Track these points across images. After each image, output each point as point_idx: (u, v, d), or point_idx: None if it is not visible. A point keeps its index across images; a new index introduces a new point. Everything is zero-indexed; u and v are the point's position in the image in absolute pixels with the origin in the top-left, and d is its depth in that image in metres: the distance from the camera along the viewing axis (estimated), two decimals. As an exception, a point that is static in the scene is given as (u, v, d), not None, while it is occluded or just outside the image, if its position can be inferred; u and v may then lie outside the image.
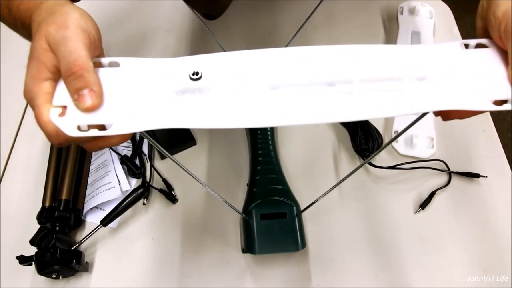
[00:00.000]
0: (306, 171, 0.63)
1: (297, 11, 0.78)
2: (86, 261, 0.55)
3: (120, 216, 0.57)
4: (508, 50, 0.30)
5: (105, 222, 0.55)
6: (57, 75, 0.31)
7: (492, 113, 0.66)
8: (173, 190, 0.61)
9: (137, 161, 0.63)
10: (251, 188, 0.57)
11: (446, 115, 0.32)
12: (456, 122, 0.66)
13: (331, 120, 0.30)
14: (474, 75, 0.31)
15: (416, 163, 0.61)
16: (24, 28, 0.37)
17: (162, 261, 0.56)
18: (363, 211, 0.59)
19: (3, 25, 0.42)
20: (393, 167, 0.61)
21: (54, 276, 0.51)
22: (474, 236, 0.57)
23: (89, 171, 0.62)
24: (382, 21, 0.77)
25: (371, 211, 0.59)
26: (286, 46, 0.59)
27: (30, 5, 0.35)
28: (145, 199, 0.60)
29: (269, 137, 0.62)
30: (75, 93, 0.29)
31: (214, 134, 0.66)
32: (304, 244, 0.50)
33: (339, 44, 0.32)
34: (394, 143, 0.63)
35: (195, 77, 0.31)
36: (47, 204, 0.57)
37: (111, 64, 0.32)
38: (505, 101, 0.30)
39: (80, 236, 0.58)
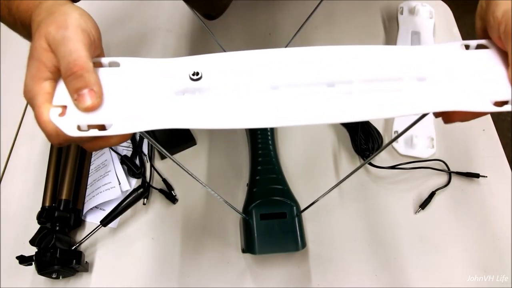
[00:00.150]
0: (306, 171, 0.63)
1: (297, 11, 0.78)
2: (86, 261, 0.55)
3: (120, 216, 0.57)
4: (508, 51, 0.30)
5: (105, 222, 0.55)
6: (57, 75, 0.31)
7: (492, 113, 0.66)
8: (173, 190, 0.61)
9: (137, 161, 0.63)
10: (251, 188, 0.57)
11: (447, 117, 0.32)
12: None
13: (331, 120, 0.30)
14: (475, 76, 0.31)
15: (416, 163, 0.61)
16: (24, 28, 0.37)
17: (162, 261, 0.56)
18: (363, 211, 0.59)
19: (3, 25, 0.42)
20: (393, 167, 0.61)
21: (54, 276, 0.51)
22: (474, 236, 0.57)
23: (89, 171, 0.62)
24: (382, 21, 0.77)
25: (371, 211, 0.59)
26: (286, 46, 0.59)
27: (29, 5, 0.35)
28: (145, 199, 0.60)
29: (269, 137, 0.62)
30: (75, 93, 0.29)
31: (214, 134, 0.66)
32: (304, 244, 0.50)
33: (339, 44, 0.32)
34: (394, 143, 0.63)
35: (195, 77, 0.31)
36: (47, 204, 0.57)
37: (111, 64, 0.32)
38: (505, 102, 0.30)
39: (80, 236, 0.58)
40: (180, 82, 0.31)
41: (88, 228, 0.58)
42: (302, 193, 0.56)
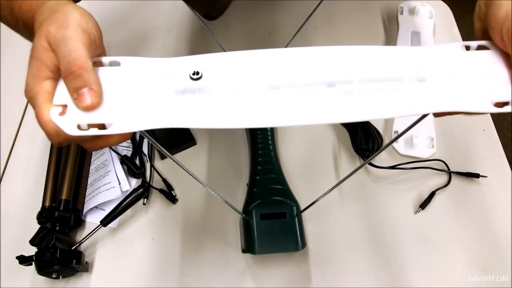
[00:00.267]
0: (306, 171, 0.63)
1: (297, 11, 0.78)
2: (86, 261, 0.55)
3: (120, 216, 0.57)
4: (510, 52, 0.30)
5: (105, 222, 0.55)
6: (58, 74, 0.31)
7: (492, 113, 0.66)
8: (173, 190, 0.61)
9: (137, 161, 0.63)
10: (251, 188, 0.57)
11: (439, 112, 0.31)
12: (456, 122, 0.67)
13: (331, 120, 0.30)
14: (475, 77, 0.31)
15: (416, 163, 0.61)
16: (26, 29, 0.37)
17: (162, 261, 0.56)
18: (363, 211, 0.59)
19: (3, 25, 0.42)
20: (393, 167, 0.61)
21: (54, 276, 0.51)
22: (474, 236, 0.57)
23: (89, 171, 0.62)
24: (382, 21, 0.77)
25: (371, 211, 0.59)
26: (286, 46, 0.59)
27: (32, 5, 0.35)
28: (145, 199, 0.60)
29: (269, 137, 0.62)
30: (75, 92, 0.29)
31: (214, 134, 0.66)
32: (304, 244, 0.50)
33: (339, 44, 0.32)
34: (394, 143, 0.63)
35: (195, 76, 0.31)
36: (47, 204, 0.57)
37: (112, 64, 0.32)
38: (506, 103, 0.30)
39: (80, 236, 0.58)
40: (180, 82, 0.31)
41: (88, 228, 0.58)
42: (302, 193, 0.56)
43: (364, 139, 0.62)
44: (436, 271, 0.55)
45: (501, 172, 0.62)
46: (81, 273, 0.55)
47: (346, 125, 0.66)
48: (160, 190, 0.60)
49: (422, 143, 0.63)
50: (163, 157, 0.64)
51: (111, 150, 0.63)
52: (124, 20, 0.78)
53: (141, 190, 0.56)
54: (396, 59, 0.32)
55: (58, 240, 0.51)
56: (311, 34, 0.75)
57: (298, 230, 0.51)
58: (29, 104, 0.35)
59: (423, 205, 0.58)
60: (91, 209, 0.59)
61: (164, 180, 0.62)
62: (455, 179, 0.61)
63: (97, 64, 0.32)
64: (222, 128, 0.29)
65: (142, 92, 0.31)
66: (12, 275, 0.55)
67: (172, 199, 0.60)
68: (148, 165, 0.63)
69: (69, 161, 0.60)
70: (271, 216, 0.51)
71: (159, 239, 0.58)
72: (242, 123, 0.30)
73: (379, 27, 0.76)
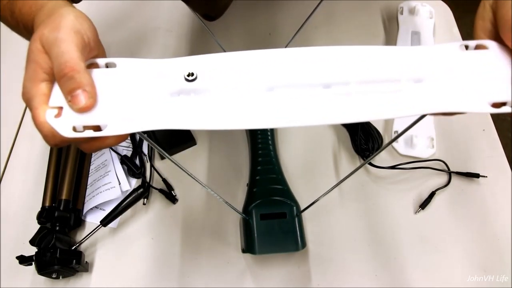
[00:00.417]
0: (306, 171, 0.63)
1: (297, 11, 0.78)
2: (86, 261, 0.55)
3: (120, 216, 0.57)
4: None
5: (105, 222, 0.55)
6: (54, 76, 0.31)
7: (492, 114, 0.66)
8: (173, 190, 0.61)
9: (137, 161, 0.63)
10: (251, 188, 0.57)
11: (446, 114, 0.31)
12: (456, 122, 0.66)
13: (329, 121, 0.30)
14: (473, 76, 0.31)
15: (416, 163, 0.61)
16: (27, 31, 0.37)
17: (162, 261, 0.56)
18: (363, 211, 0.59)
19: (3, 25, 0.42)
20: (393, 167, 0.61)
21: (54, 276, 0.51)
22: (474, 236, 0.57)
23: (89, 171, 0.62)
24: (382, 21, 0.77)
25: (371, 211, 0.59)
26: (286, 46, 0.59)
27: (32, 8, 0.36)
28: (145, 199, 0.60)
29: (269, 137, 0.62)
30: (69, 94, 0.29)
31: (214, 134, 0.66)
32: (304, 244, 0.50)
33: (339, 44, 0.32)
34: (394, 143, 0.63)
35: (190, 78, 0.31)
36: (47, 204, 0.57)
37: (108, 65, 0.32)
38: (503, 104, 0.29)
39: (80, 236, 0.58)
40: (175, 83, 0.31)
41: (88, 228, 0.58)
42: (302, 193, 0.56)
43: (364, 139, 0.62)
44: (436, 271, 0.55)
45: (501, 172, 0.61)
46: (81, 273, 0.55)
47: (346, 125, 0.66)
48: (160, 190, 0.60)
49: (422, 143, 0.63)
50: (163, 157, 0.64)
51: (111, 150, 0.63)
52: (124, 20, 0.78)
53: (141, 190, 0.56)
54: (395, 59, 0.32)
55: (58, 240, 0.51)
56: (311, 34, 0.75)
57: (298, 230, 0.51)
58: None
59: (423, 205, 0.58)
60: (91, 209, 0.59)
61: (164, 180, 0.62)
62: (455, 179, 0.61)
63: (93, 65, 0.32)
64: (216, 129, 0.29)
65: (137, 93, 0.31)
66: (12, 275, 0.55)
67: (172, 199, 0.60)
68: (148, 165, 0.63)
69: (69, 161, 0.60)
70: (271, 216, 0.51)
71: (159, 239, 0.58)
72: (237, 124, 0.29)
73: (379, 27, 0.76)
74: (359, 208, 0.59)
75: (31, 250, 0.51)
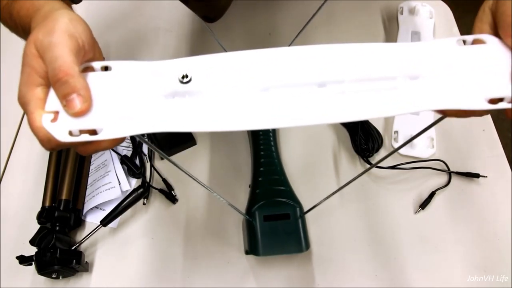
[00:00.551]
0: (306, 171, 0.63)
1: (297, 11, 0.78)
2: (86, 261, 0.55)
3: (120, 216, 0.57)
4: None
5: (105, 222, 0.55)
6: (49, 80, 0.31)
7: (492, 113, 0.66)
8: (173, 190, 0.61)
9: (137, 161, 0.63)
10: (253, 190, 0.56)
11: (441, 111, 0.31)
12: (456, 122, 0.66)
13: (325, 121, 0.30)
14: (470, 72, 0.30)
15: (416, 163, 0.61)
16: (25, 33, 0.37)
17: (162, 261, 0.56)
18: (363, 211, 0.59)
19: (3, 26, 0.42)
20: (393, 167, 0.61)
21: (54, 276, 0.51)
22: (474, 236, 0.57)
23: (89, 171, 0.62)
24: (382, 21, 0.77)
25: (371, 211, 0.59)
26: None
27: (29, 11, 0.35)
28: (145, 199, 0.60)
29: (271, 138, 0.62)
30: (64, 99, 0.29)
31: (214, 134, 0.66)
32: (308, 246, 0.50)
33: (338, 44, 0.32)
34: (394, 143, 0.63)
35: (184, 80, 0.31)
36: (47, 204, 0.57)
37: (103, 68, 0.32)
38: (500, 100, 0.29)
39: (80, 236, 0.58)
40: (169, 85, 0.31)
41: (88, 228, 0.58)
42: (302, 194, 0.56)
43: (364, 139, 0.62)
44: (436, 271, 0.55)
45: (501, 172, 0.61)
46: (81, 273, 0.55)
47: (346, 125, 0.66)
48: (160, 190, 0.60)
49: (422, 143, 0.63)
50: (163, 157, 0.64)
51: (111, 150, 0.63)
52: (124, 20, 0.78)
53: (141, 190, 0.56)
54: (390, 56, 0.32)
55: (58, 240, 0.51)
56: (311, 34, 0.75)
57: (302, 231, 0.50)
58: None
59: (423, 205, 0.58)
60: (91, 209, 0.59)
61: (164, 180, 0.61)
62: (455, 179, 0.61)
63: (89, 69, 0.32)
64: (212, 131, 0.29)
65: (133, 96, 0.30)
66: (12, 275, 0.55)
67: (172, 199, 0.60)
68: (148, 165, 0.63)
69: (69, 161, 0.60)
70: (274, 218, 0.51)
71: (159, 239, 0.58)
72: (232, 126, 0.29)
73: (379, 27, 0.76)
74: (359, 208, 0.59)
75: (31, 250, 0.51)
